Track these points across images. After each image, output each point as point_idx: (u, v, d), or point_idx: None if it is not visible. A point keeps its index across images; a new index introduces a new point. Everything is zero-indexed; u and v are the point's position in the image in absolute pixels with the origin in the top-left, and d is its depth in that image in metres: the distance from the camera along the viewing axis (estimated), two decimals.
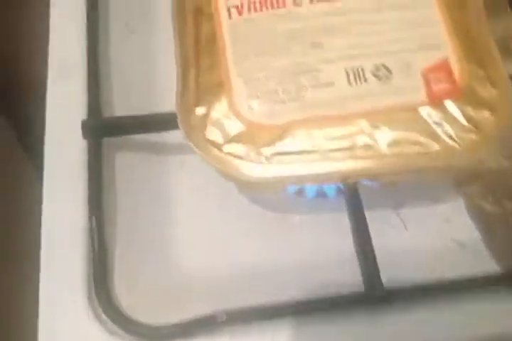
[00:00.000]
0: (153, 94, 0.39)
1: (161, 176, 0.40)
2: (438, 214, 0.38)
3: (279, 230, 0.38)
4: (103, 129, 0.39)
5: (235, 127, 0.34)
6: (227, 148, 0.34)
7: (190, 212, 0.39)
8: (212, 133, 0.34)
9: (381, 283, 0.34)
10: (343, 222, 0.36)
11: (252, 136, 0.33)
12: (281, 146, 0.33)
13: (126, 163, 0.40)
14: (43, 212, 0.38)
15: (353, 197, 0.36)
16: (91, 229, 0.37)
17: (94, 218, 0.37)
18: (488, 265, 0.36)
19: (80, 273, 0.36)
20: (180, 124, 0.34)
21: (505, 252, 0.37)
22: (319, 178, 0.34)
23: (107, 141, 0.40)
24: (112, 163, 0.40)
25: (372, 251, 0.35)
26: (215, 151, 0.33)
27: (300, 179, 0.34)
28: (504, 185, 0.38)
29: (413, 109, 0.34)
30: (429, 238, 0.38)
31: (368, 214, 0.36)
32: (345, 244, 0.36)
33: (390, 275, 0.35)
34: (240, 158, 0.33)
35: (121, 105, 0.41)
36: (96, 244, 0.36)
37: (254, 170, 0.33)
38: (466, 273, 0.36)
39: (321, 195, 0.38)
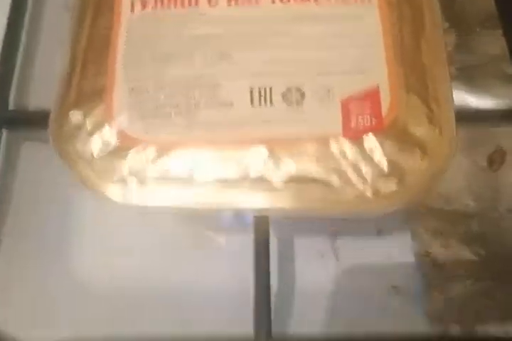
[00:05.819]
0: None
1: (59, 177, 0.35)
2: (379, 250, 0.34)
3: (182, 248, 0.34)
4: None
5: (109, 140, 0.29)
6: (96, 162, 0.29)
7: (91, 217, 0.35)
8: (84, 145, 0.29)
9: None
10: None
11: (126, 152, 0.28)
12: (156, 170, 0.28)
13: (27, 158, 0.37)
14: None
15: (259, 225, 0.33)
16: None
17: None
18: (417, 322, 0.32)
19: None
20: (50, 132, 0.29)
21: (440, 311, 0.32)
22: (204, 211, 0.29)
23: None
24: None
25: (268, 294, 0.31)
26: (83, 165, 0.29)
27: (180, 210, 0.29)
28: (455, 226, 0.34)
29: (324, 142, 0.28)
30: (361, 278, 0.34)
31: (298, 239, 0.34)
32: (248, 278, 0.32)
33: (296, 319, 0.32)
34: (108, 176, 0.28)
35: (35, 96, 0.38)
36: None
37: (122, 193, 0.28)
38: (390, 330, 0.32)
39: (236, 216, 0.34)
